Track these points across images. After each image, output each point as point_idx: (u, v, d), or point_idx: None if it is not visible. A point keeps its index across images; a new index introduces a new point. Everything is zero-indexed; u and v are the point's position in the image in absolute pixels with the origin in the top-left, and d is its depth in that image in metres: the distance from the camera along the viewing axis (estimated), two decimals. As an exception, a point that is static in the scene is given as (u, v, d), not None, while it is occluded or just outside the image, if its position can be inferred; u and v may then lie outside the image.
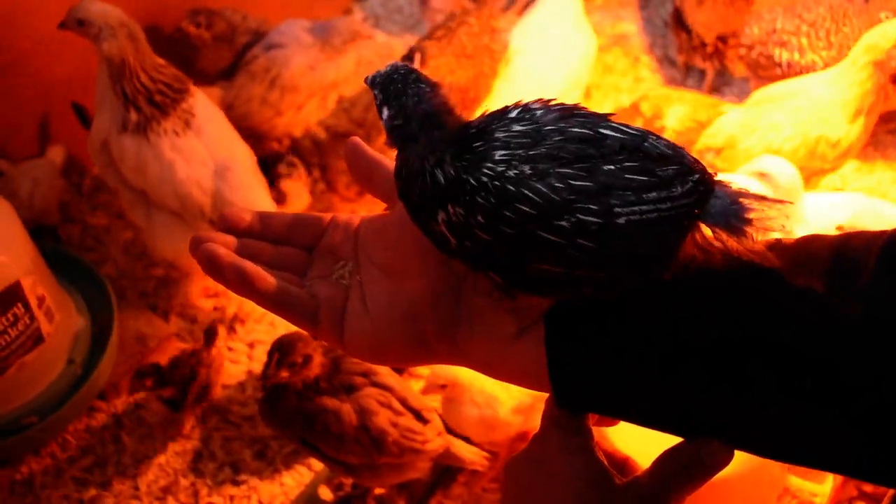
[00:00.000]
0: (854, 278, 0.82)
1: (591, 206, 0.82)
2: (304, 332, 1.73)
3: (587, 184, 0.83)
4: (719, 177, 0.89)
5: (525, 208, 0.82)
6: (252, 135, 2.86)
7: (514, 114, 0.89)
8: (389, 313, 0.95)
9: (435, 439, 2.05)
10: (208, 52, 3.05)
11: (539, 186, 0.83)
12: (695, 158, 0.88)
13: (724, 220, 0.86)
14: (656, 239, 0.85)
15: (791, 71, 2.86)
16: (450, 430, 2.14)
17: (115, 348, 2.53)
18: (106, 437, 2.50)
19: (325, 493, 2.32)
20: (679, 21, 3.22)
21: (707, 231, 0.87)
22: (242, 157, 2.55)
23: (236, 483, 2.38)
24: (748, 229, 0.85)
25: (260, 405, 2.11)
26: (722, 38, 3.11)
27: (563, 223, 0.82)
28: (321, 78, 3.03)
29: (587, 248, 0.83)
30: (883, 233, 0.85)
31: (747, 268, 0.85)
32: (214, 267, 0.94)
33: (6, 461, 2.41)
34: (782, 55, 2.89)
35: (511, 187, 0.83)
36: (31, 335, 2.33)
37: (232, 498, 2.35)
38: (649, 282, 0.88)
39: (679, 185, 0.85)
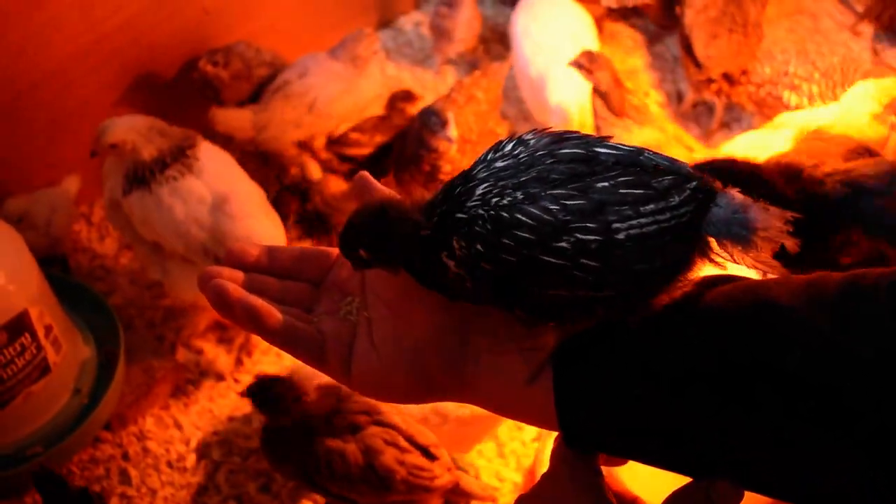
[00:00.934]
0: (863, 312, 0.81)
1: (589, 225, 0.82)
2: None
3: (581, 202, 0.83)
4: (724, 188, 0.88)
5: (522, 234, 0.83)
6: (278, 158, 2.95)
7: (508, 147, 0.89)
8: (396, 350, 0.95)
9: (444, 475, 2.04)
10: (228, 90, 3.11)
11: (532, 210, 0.83)
12: (694, 169, 0.88)
13: (728, 230, 0.85)
14: (659, 251, 0.84)
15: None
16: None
17: (121, 379, 2.52)
18: (111, 468, 2.48)
19: (331, 526, 2.30)
20: (689, 53, 3.22)
21: (713, 242, 0.86)
22: (246, 189, 2.56)
23: (241, 516, 2.36)
24: (754, 238, 0.84)
25: (262, 447, 2.10)
26: (728, 77, 3.11)
27: (563, 244, 0.82)
28: (355, 101, 3.08)
29: (590, 267, 0.83)
30: (893, 272, 0.84)
31: (756, 303, 0.84)
32: (224, 303, 0.94)
33: (10, 492, 2.40)
34: (791, 98, 2.90)
35: (505, 214, 0.83)
36: (37, 365, 2.32)
37: (236, 531, 2.34)
38: (655, 314, 0.87)
39: (676, 195, 0.85)
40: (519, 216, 0.83)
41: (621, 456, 0.93)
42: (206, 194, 2.48)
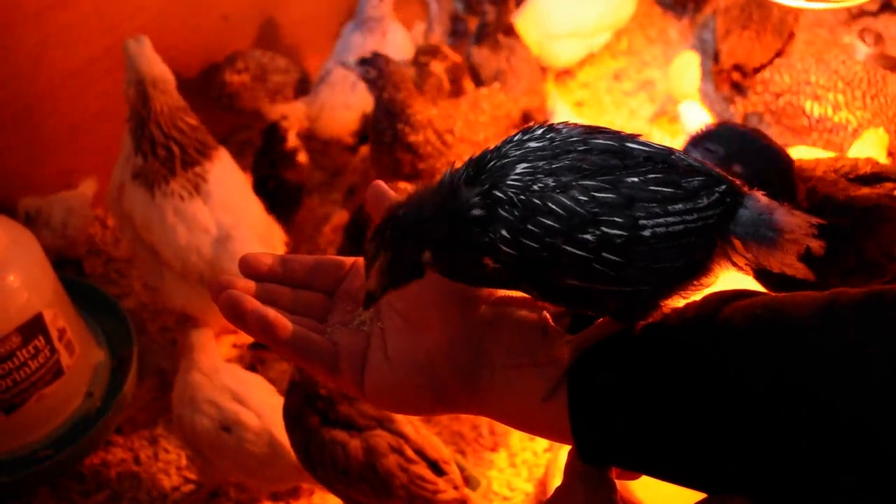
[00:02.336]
0: (882, 332, 0.80)
1: (616, 219, 0.82)
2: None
3: (611, 196, 0.82)
4: (750, 190, 0.88)
5: (549, 222, 0.82)
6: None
7: (539, 132, 0.88)
8: (410, 363, 0.94)
9: (450, 491, 2.03)
10: (246, 93, 3.16)
11: (563, 199, 0.82)
12: (722, 171, 0.87)
13: (755, 231, 0.84)
14: (683, 252, 0.84)
15: (820, 125, 2.84)
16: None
17: (133, 382, 2.52)
18: (122, 471, 2.48)
19: (340, 535, 2.29)
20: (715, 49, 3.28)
21: (738, 244, 0.85)
22: (251, 223, 2.55)
23: (251, 522, 2.36)
24: (780, 240, 0.84)
25: (283, 413, 2.10)
26: (740, 68, 3.12)
27: (588, 236, 0.81)
28: None
29: (611, 262, 0.82)
30: None
31: (774, 320, 0.84)
32: (236, 314, 0.93)
33: (22, 493, 2.40)
34: (814, 109, 2.86)
35: (536, 200, 0.82)
36: (51, 368, 2.33)
37: (246, 537, 2.33)
38: (673, 329, 0.87)
39: (705, 197, 0.84)
40: (550, 204, 0.82)
41: (636, 471, 0.92)
42: (210, 225, 2.47)
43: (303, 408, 2.01)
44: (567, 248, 0.82)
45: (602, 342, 0.90)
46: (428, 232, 0.86)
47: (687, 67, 3.03)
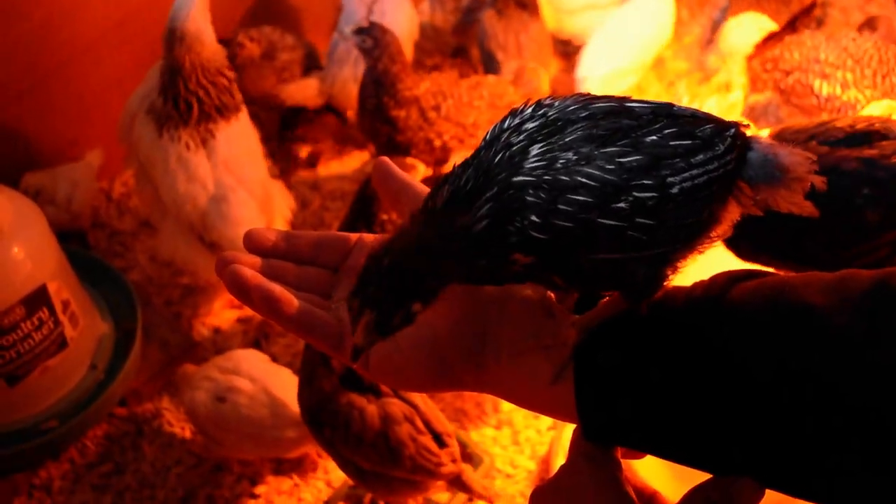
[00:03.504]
0: (891, 314, 0.79)
1: (646, 182, 0.80)
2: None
3: (637, 158, 0.81)
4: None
5: (582, 197, 0.79)
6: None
7: (528, 111, 0.86)
8: (415, 340, 0.93)
9: (449, 465, 2.03)
10: (253, 70, 3.16)
11: (591, 171, 0.80)
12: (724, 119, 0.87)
13: (764, 173, 0.85)
14: (707, 203, 0.83)
15: (829, 105, 2.80)
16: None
17: (138, 355, 2.52)
18: (125, 444, 2.49)
19: (343, 510, 2.30)
20: None
21: (745, 187, 0.85)
22: (253, 189, 2.54)
23: (254, 496, 2.36)
24: (787, 179, 0.84)
25: (299, 385, 2.10)
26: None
27: (622, 205, 0.80)
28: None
29: (645, 226, 0.80)
30: None
31: (782, 302, 0.83)
32: (240, 289, 0.93)
33: (25, 465, 2.41)
34: (823, 87, 2.82)
35: (564, 178, 0.80)
36: (55, 340, 2.33)
37: (249, 511, 2.34)
38: (680, 310, 0.86)
39: (720, 143, 0.83)
40: (578, 178, 0.79)
41: (642, 451, 0.92)
42: (209, 181, 2.47)
43: (318, 365, 2.01)
44: (602, 220, 0.80)
45: (608, 323, 0.89)
46: (421, 280, 0.82)
47: (742, 27, 2.97)
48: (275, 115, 3.32)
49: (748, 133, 0.87)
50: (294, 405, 2.17)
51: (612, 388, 0.87)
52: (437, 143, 2.79)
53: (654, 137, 0.82)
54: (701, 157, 0.82)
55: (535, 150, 0.82)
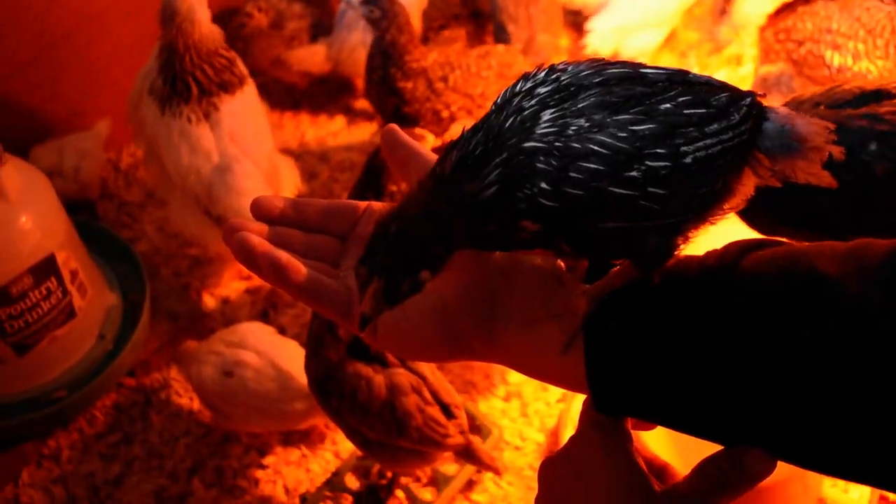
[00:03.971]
0: None
1: (659, 150, 0.79)
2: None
3: (650, 126, 0.79)
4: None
5: (593, 165, 0.78)
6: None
7: (541, 75, 0.84)
8: (424, 309, 0.92)
9: (457, 436, 2.03)
10: (261, 40, 3.17)
11: (603, 138, 0.78)
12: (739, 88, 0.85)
13: (780, 143, 0.84)
14: (721, 172, 0.82)
15: (840, 76, 2.75)
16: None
17: (146, 326, 2.53)
18: (134, 414, 2.49)
19: (352, 480, 2.30)
20: None
21: (762, 158, 0.85)
22: (259, 161, 2.52)
23: (262, 467, 2.36)
24: (805, 149, 0.83)
25: (307, 350, 2.10)
26: None
27: (634, 173, 0.79)
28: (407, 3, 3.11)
29: (657, 195, 0.79)
30: None
31: (795, 271, 0.82)
32: (248, 256, 0.92)
33: (34, 434, 2.41)
34: (834, 58, 2.78)
35: (575, 144, 0.78)
36: (63, 309, 2.33)
37: (257, 482, 2.34)
38: (691, 278, 0.85)
39: (735, 112, 0.82)
40: (589, 146, 0.78)
41: (653, 422, 0.91)
42: (213, 152, 2.45)
43: (325, 334, 2.00)
44: (614, 189, 0.79)
45: (619, 292, 0.88)
46: (429, 246, 0.82)
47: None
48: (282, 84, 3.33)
49: (764, 103, 0.86)
50: (301, 377, 2.16)
51: (622, 357, 0.86)
52: (445, 114, 2.77)
53: (669, 105, 0.81)
54: (715, 126, 0.81)
55: (546, 115, 0.80)
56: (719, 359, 0.82)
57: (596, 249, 0.86)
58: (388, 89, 2.73)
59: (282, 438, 2.41)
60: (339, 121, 3.30)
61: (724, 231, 0.91)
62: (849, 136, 1.56)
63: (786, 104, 1.67)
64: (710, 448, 0.88)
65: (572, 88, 0.82)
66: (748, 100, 0.84)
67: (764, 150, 0.84)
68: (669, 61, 3.35)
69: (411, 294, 0.84)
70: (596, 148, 0.78)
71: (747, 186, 0.86)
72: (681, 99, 0.81)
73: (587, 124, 0.79)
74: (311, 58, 3.17)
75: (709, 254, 0.89)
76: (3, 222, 2.18)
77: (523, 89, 0.84)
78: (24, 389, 2.38)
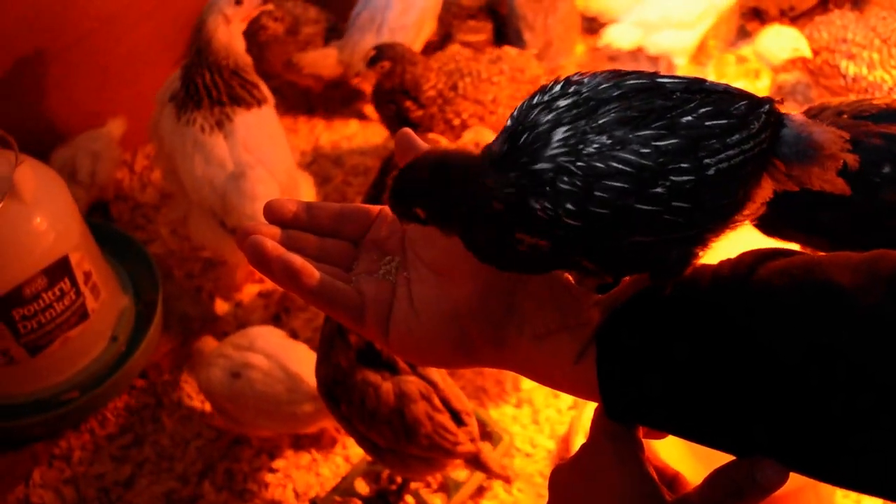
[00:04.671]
0: None
1: (683, 165, 0.79)
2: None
3: (673, 141, 0.79)
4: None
5: (618, 184, 0.78)
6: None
7: (558, 88, 0.84)
8: (436, 314, 0.92)
9: (467, 444, 2.03)
10: (276, 46, 3.17)
11: (627, 156, 0.78)
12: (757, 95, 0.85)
13: (797, 151, 0.83)
14: (742, 183, 0.82)
15: (856, 85, 2.74)
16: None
17: (158, 328, 2.53)
18: (145, 416, 2.50)
19: (362, 485, 2.30)
20: None
21: (780, 164, 0.84)
22: (274, 170, 2.52)
23: (272, 471, 2.36)
24: (821, 157, 0.83)
25: (318, 351, 2.09)
26: (785, 13, 3.06)
27: (659, 189, 0.78)
28: (421, 8, 3.12)
29: (682, 209, 0.79)
30: None
31: (810, 281, 0.81)
32: (261, 260, 0.92)
33: (46, 435, 2.42)
34: (849, 68, 2.76)
35: (598, 164, 0.78)
36: (76, 311, 2.33)
37: (267, 486, 2.34)
38: (705, 288, 0.84)
39: (755, 120, 0.82)
40: (615, 164, 0.78)
41: (665, 431, 0.90)
42: (227, 160, 2.46)
43: (335, 339, 2.00)
44: (640, 206, 0.78)
45: (632, 301, 0.88)
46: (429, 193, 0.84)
47: (778, 39, 2.91)
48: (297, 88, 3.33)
49: (782, 109, 0.86)
50: (310, 380, 2.17)
51: (635, 366, 0.85)
52: (457, 121, 2.76)
53: (690, 118, 0.80)
54: (737, 136, 0.81)
55: (559, 133, 0.80)
56: (733, 368, 0.82)
57: (619, 265, 0.85)
58: (402, 119, 2.72)
59: (292, 442, 2.41)
60: (353, 125, 3.31)
61: (735, 235, 0.91)
62: (862, 154, 1.54)
63: (809, 109, 1.67)
64: (721, 458, 0.87)
65: (592, 103, 0.81)
66: (766, 107, 0.83)
67: (781, 156, 0.84)
68: (687, 68, 3.34)
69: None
70: (620, 166, 0.78)
71: (765, 191, 0.86)
72: (702, 110, 0.81)
73: (609, 141, 0.78)
74: (323, 61, 3.16)
75: (722, 263, 0.88)
76: (17, 223, 2.19)
77: (541, 102, 0.84)
78: (36, 390, 2.38)
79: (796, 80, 3.17)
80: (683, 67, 3.27)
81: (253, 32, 3.12)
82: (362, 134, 3.26)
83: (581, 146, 0.79)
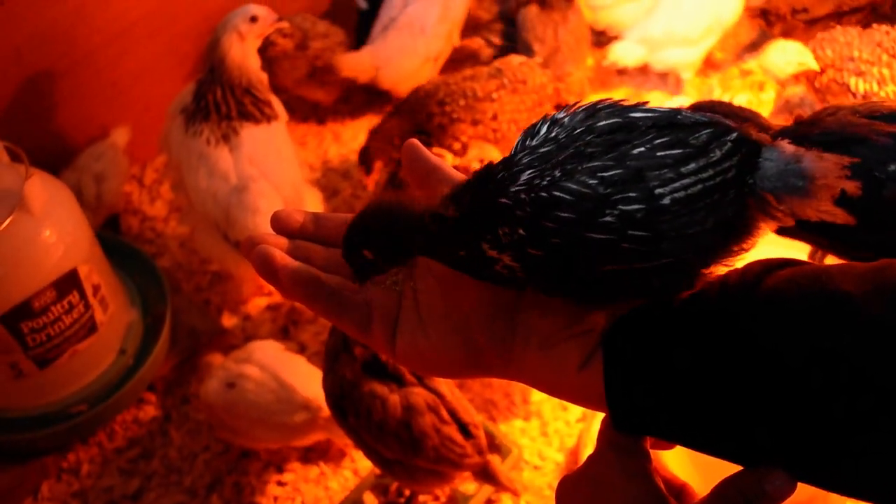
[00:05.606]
0: None
1: (631, 194, 0.79)
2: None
3: (618, 171, 0.79)
4: (774, 140, 0.84)
5: (563, 213, 0.79)
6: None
7: (543, 130, 0.86)
8: (444, 325, 0.92)
9: (475, 456, 2.02)
10: (286, 62, 3.18)
11: (570, 186, 0.79)
12: (736, 123, 0.84)
13: (784, 182, 0.81)
14: (711, 212, 0.80)
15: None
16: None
17: (166, 341, 2.53)
18: (153, 429, 2.50)
19: (370, 499, 2.29)
20: None
21: (771, 198, 0.82)
22: (279, 184, 2.53)
23: (281, 484, 2.36)
24: (812, 187, 0.81)
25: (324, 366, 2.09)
26: (797, 12, 3.05)
27: (608, 218, 0.79)
28: (453, 18, 3.16)
29: (640, 237, 0.79)
30: None
31: (816, 289, 0.81)
32: (268, 269, 0.92)
33: (54, 448, 2.42)
34: (859, 85, 2.74)
35: (544, 194, 0.80)
36: (84, 323, 2.33)
37: (276, 499, 2.34)
38: (712, 297, 0.84)
39: (717, 149, 0.81)
40: (557, 194, 0.79)
41: (672, 441, 0.90)
42: (231, 173, 2.48)
43: (340, 352, 2.00)
44: (591, 234, 0.79)
45: (638, 310, 0.88)
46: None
47: (785, 54, 2.90)
48: (306, 101, 3.34)
49: (772, 142, 0.84)
50: (302, 390, 2.20)
51: (642, 375, 0.85)
52: (457, 146, 2.76)
53: (642, 149, 0.81)
54: (693, 165, 0.80)
55: (525, 176, 0.82)
56: (739, 374, 0.82)
57: (605, 296, 0.85)
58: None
59: (301, 456, 2.40)
60: (362, 138, 3.30)
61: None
62: (870, 151, 1.54)
63: (824, 110, 1.66)
64: (729, 468, 0.87)
65: (564, 144, 0.84)
66: (733, 135, 0.83)
67: (769, 190, 0.82)
68: (693, 81, 3.34)
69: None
70: (564, 196, 0.79)
71: (760, 227, 0.85)
72: (657, 141, 0.81)
73: (559, 174, 0.81)
74: (360, 65, 3.15)
75: (729, 273, 0.88)
76: (27, 236, 2.19)
77: (529, 145, 0.86)
78: (45, 403, 2.38)
79: (803, 94, 3.16)
80: (690, 81, 3.28)
81: (262, 48, 3.15)
82: (370, 147, 3.27)
83: (537, 181, 0.81)
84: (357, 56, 3.16)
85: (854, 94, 2.74)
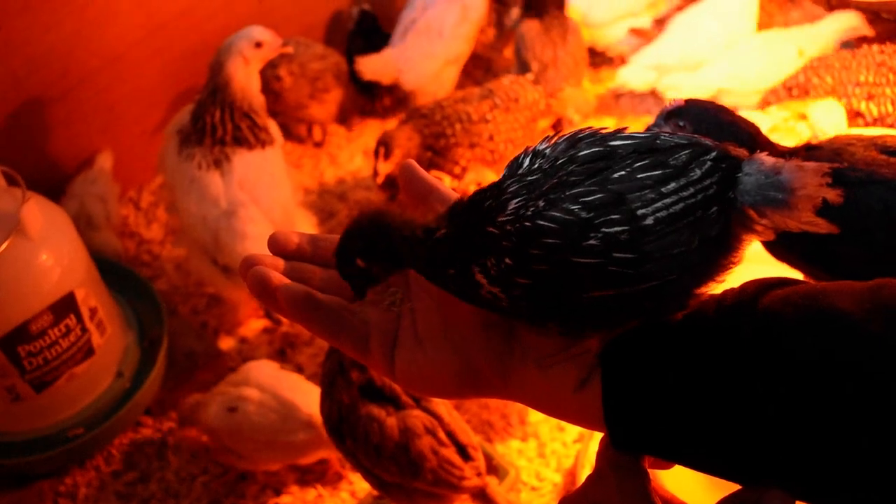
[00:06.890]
0: None
1: (613, 217, 0.80)
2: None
3: (599, 196, 0.80)
4: (752, 154, 0.85)
5: (549, 240, 0.80)
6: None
7: (526, 162, 0.88)
8: (442, 345, 0.93)
9: (473, 478, 2.02)
10: (289, 93, 3.22)
11: (554, 214, 0.80)
12: (716, 142, 0.85)
13: (764, 196, 0.82)
14: (695, 230, 0.81)
15: (879, 123, 2.68)
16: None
17: (163, 364, 2.53)
18: (151, 452, 2.49)
19: (367, 521, 2.29)
20: None
21: (752, 213, 0.83)
22: (269, 209, 2.54)
23: (278, 506, 2.36)
24: (792, 199, 0.81)
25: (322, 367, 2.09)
26: None
27: (592, 241, 0.79)
28: (472, 21, 3.19)
29: (626, 259, 0.80)
30: None
31: (814, 307, 0.82)
32: (265, 290, 0.92)
33: (51, 472, 2.41)
34: (871, 108, 2.72)
35: (528, 224, 0.81)
36: (81, 347, 2.33)
37: (273, 521, 2.33)
38: (709, 316, 0.85)
39: (697, 168, 0.82)
40: (541, 223, 0.80)
41: (670, 460, 0.90)
42: (221, 198, 2.48)
43: (337, 376, 2.00)
44: (577, 259, 0.80)
45: (635, 329, 0.88)
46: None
47: (830, 112, 2.86)
48: (303, 123, 3.35)
49: (749, 156, 0.85)
50: (305, 408, 2.21)
51: (639, 394, 0.85)
52: (457, 170, 2.77)
53: (622, 173, 0.82)
54: (673, 185, 0.81)
55: (512, 204, 0.84)
56: (734, 391, 0.82)
57: (597, 322, 0.86)
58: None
59: (298, 478, 2.40)
60: (358, 160, 3.32)
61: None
62: (873, 188, 1.54)
63: (836, 139, 1.66)
64: (727, 487, 0.87)
65: (549, 174, 0.85)
66: (713, 154, 0.83)
67: (749, 205, 0.83)
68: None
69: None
70: (547, 224, 0.80)
71: (743, 242, 0.86)
72: (636, 165, 0.82)
73: (543, 204, 0.82)
74: (383, 67, 3.18)
75: (726, 293, 0.88)
76: (24, 260, 2.19)
77: (515, 175, 0.87)
78: (42, 426, 2.38)
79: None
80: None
81: (265, 80, 3.17)
82: (366, 169, 3.27)
83: (522, 211, 0.82)
84: (379, 58, 3.18)
85: (864, 118, 2.70)
